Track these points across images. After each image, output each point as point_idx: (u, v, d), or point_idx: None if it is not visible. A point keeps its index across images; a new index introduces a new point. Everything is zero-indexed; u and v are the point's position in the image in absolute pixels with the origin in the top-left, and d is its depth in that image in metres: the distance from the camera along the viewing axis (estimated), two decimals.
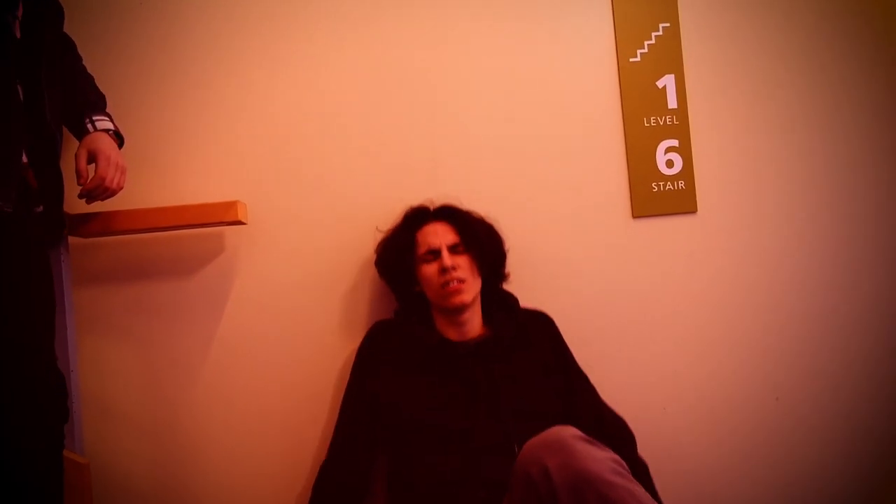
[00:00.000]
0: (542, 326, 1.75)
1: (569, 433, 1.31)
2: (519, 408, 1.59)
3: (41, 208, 1.48)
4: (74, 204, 1.60)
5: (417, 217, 1.73)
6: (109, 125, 1.59)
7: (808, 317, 1.92)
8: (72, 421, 1.65)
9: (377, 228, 1.79)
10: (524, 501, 1.31)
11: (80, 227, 1.67)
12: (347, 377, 1.72)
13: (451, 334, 1.68)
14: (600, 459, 1.26)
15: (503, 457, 1.53)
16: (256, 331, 1.83)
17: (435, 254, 1.66)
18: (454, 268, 1.63)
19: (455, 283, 1.63)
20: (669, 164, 1.91)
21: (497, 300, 1.75)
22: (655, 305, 1.90)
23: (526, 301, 1.81)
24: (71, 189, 1.52)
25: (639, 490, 1.25)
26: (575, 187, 1.91)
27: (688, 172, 1.91)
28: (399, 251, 1.71)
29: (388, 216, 1.82)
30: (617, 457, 1.30)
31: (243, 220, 1.74)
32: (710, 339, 1.90)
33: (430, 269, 1.66)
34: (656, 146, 1.91)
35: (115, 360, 1.80)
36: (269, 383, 1.82)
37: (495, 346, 1.65)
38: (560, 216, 1.90)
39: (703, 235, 1.92)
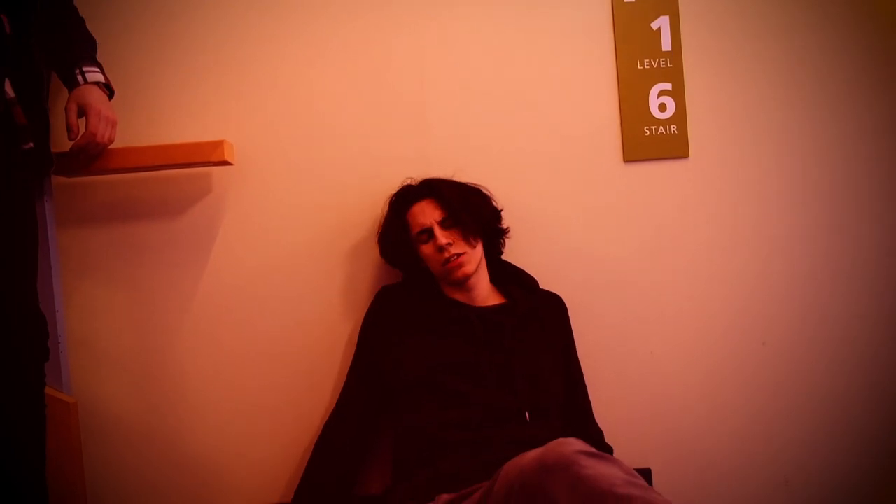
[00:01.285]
0: (556, 308, 1.76)
1: (570, 449, 1.22)
2: (527, 377, 1.59)
3: (31, 145, 1.46)
4: (57, 142, 1.57)
5: (402, 200, 1.71)
6: (100, 77, 1.56)
7: (797, 262, 1.92)
8: (58, 361, 1.66)
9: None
10: None
11: (64, 167, 1.64)
12: (336, 319, 1.72)
13: (461, 299, 1.68)
14: (609, 474, 1.17)
15: (513, 422, 1.54)
16: (245, 273, 1.82)
17: (428, 233, 1.64)
18: (450, 244, 1.62)
19: (454, 259, 1.62)
20: (662, 107, 1.88)
21: (516, 278, 1.75)
22: (645, 250, 1.90)
23: (515, 247, 1.81)
24: (55, 127, 1.50)
25: (656, 497, 1.15)
26: (565, 131, 1.88)
27: (680, 116, 1.89)
28: (395, 238, 1.70)
29: (380, 159, 1.82)
30: (628, 467, 1.23)
31: (230, 161, 1.72)
32: (699, 283, 1.91)
33: (427, 249, 1.65)
34: (649, 89, 1.88)
35: (102, 301, 1.78)
36: (259, 325, 1.82)
37: (509, 316, 1.65)
38: (550, 161, 1.88)
39: (694, 180, 1.90)
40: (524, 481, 1.22)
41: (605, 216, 1.89)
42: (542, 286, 1.76)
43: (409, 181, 1.73)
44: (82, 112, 1.52)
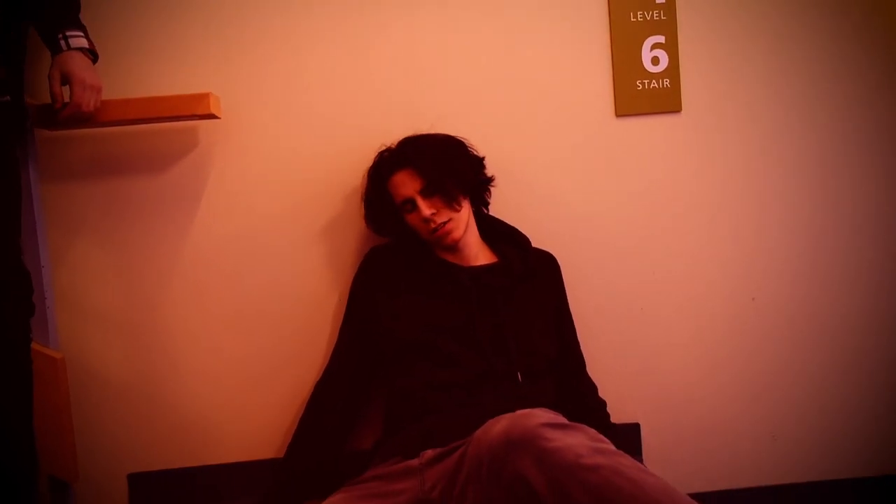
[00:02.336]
0: (548, 267, 1.74)
1: (535, 422, 1.20)
2: (519, 339, 1.59)
3: (7, 98, 1.43)
4: (38, 94, 1.55)
5: (380, 172, 1.66)
6: (84, 42, 1.53)
7: (787, 217, 1.91)
8: (45, 316, 1.65)
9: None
10: (506, 503, 1.23)
11: (44, 119, 1.61)
12: (328, 275, 1.71)
13: (452, 259, 1.66)
14: (574, 445, 1.16)
15: (505, 383, 1.54)
16: (233, 228, 1.80)
17: (411, 203, 1.60)
18: (434, 213, 1.58)
19: (441, 228, 1.59)
20: (655, 61, 1.86)
21: (508, 236, 1.73)
22: (636, 205, 1.88)
23: (505, 204, 1.79)
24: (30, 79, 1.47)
25: (625, 461, 1.15)
26: (556, 85, 1.86)
27: (673, 70, 1.86)
28: (379, 210, 1.68)
29: (369, 112, 1.79)
30: (594, 432, 1.22)
31: (216, 114, 1.69)
32: (689, 239, 1.90)
33: (413, 219, 1.62)
34: (642, 42, 1.85)
35: (89, 256, 1.77)
36: (249, 281, 1.81)
37: (500, 275, 1.64)
38: (540, 116, 1.86)
39: (686, 135, 1.88)
40: (492, 456, 1.23)
41: (596, 171, 1.87)
42: (534, 244, 1.75)
43: (384, 148, 1.69)
44: (66, 80, 1.49)
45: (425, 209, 1.58)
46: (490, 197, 1.76)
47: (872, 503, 1.95)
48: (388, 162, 1.65)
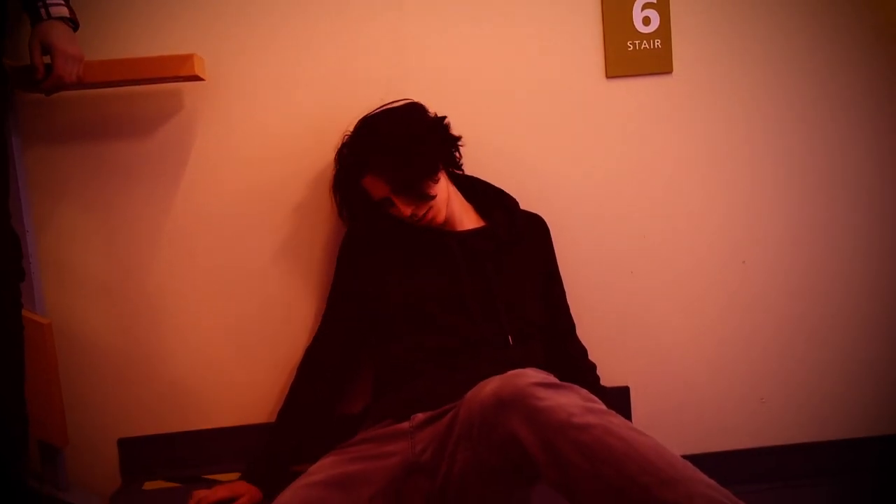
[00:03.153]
0: (537, 230, 1.73)
1: (525, 381, 1.19)
2: (509, 302, 1.58)
3: None
4: (18, 56, 1.52)
5: (349, 176, 1.61)
6: (64, 11, 1.49)
7: (779, 180, 1.91)
8: (31, 282, 1.64)
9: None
10: (497, 464, 1.24)
11: (27, 83, 1.58)
12: (319, 238, 1.69)
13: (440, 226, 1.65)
14: (565, 404, 1.15)
15: (495, 347, 1.53)
16: (221, 193, 1.78)
17: (389, 200, 1.57)
18: (414, 210, 1.55)
19: (424, 219, 1.57)
20: (646, 21, 1.83)
21: (496, 199, 1.71)
22: (626, 167, 1.87)
23: (492, 165, 1.78)
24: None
25: (616, 420, 1.13)
26: (545, 46, 1.83)
27: (665, 31, 1.84)
28: (360, 211, 1.65)
29: (357, 75, 1.77)
30: (585, 392, 1.21)
31: (201, 76, 1.66)
32: (679, 201, 1.89)
33: (395, 212, 1.59)
34: (633, 2, 1.83)
35: (73, 221, 1.75)
36: (237, 246, 1.79)
37: (488, 240, 1.62)
38: (529, 77, 1.83)
39: (678, 97, 1.86)
40: (483, 417, 1.22)
41: (586, 133, 1.86)
42: (522, 207, 1.74)
43: (343, 141, 1.63)
44: (46, 51, 1.46)
45: (405, 209, 1.55)
46: (461, 158, 1.71)
47: (859, 464, 1.97)
48: (351, 167, 1.60)
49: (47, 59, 1.47)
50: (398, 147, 1.55)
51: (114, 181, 1.76)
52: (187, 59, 1.60)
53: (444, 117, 1.65)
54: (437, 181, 1.57)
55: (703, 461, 1.11)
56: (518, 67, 1.83)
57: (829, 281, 1.94)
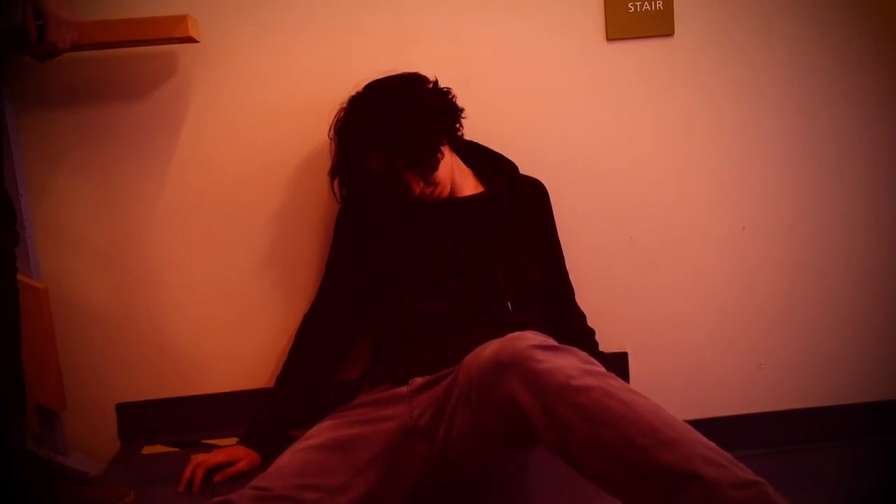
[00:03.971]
0: (537, 195, 1.71)
1: (524, 344, 1.18)
2: (508, 267, 1.57)
3: None
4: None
5: (352, 157, 1.57)
6: None
7: (778, 145, 1.89)
8: (26, 247, 1.62)
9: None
10: (496, 427, 1.23)
11: (20, 45, 1.55)
12: (316, 203, 1.69)
13: None
14: (564, 366, 1.13)
15: (494, 312, 1.53)
16: (217, 157, 1.76)
17: (396, 180, 1.53)
18: (422, 188, 1.53)
19: (431, 195, 1.55)
20: None
21: (495, 164, 1.69)
22: (626, 132, 1.86)
23: (491, 130, 1.76)
24: None
25: (615, 383, 1.12)
26: (544, 8, 1.80)
27: None
28: (361, 188, 1.61)
29: (354, 38, 1.74)
30: (585, 354, 1.19)
31: (195, 38, 1.63)
32: (679, 166, 1.88)
33: (403, 190, 1.55)
34: None
35: (67, 185, 1.73)
36: (234, 211, 1.78)
37: (488, 205, 1.61)
38: (528, 40, 1.81)
39: (679, 60, 1.84)
40: (482, 380, 1.21)
41: (586, 97, 1.84)
42: (522, 171, 1.72)
43: (341, 117, 1.59)
44: (39, 16, 1.43)
45: (414, 188, 1.53)
46: (462, 128, 1.65)
47: (856, 430, 1.98)
48: (356, 148, 1.55)
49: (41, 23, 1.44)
50: (403, 123, 1.50)
51: (108, 144, 1.74)
52: (181, 20, 1.57)
53: (448, 89, 1.60)
54: (443, 156, 1.54)
55: (700, 427, 1.10)
56: (517, 30, 1.81)
57: (828, 247, 1.94)
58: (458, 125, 1.62)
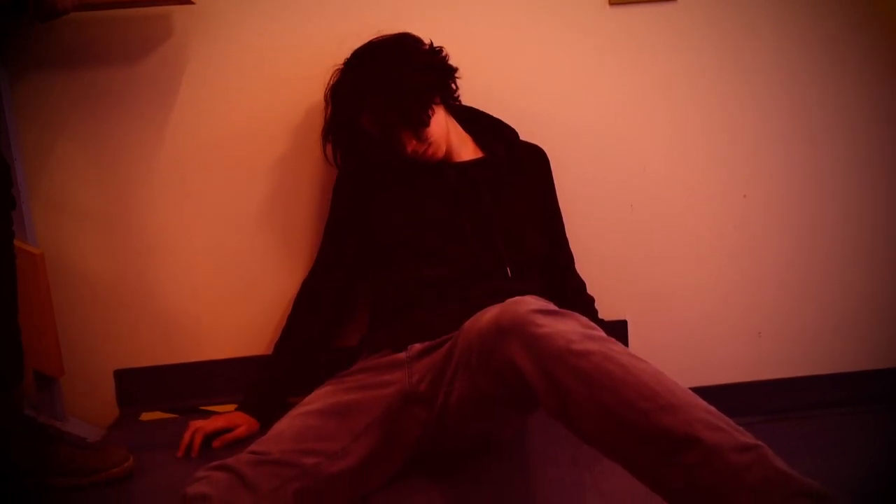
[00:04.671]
0: (537, 161, 1.70)
1: (525, 308, 1.16)
2: (507, 234, 1.56)
3: None
4: None
5: (344, 115, 1.57)
6: None
7: (781, 112, 1.88)
8: (21, 212, 1.61)
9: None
10: (496, 392, 1.22)
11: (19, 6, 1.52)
12: (315, 167, 1.69)
13: None
14: (565, 331, 1.12)
15: (493, 278, 1.52)
16: (214, 122, 1.75)
17: (388, 138, 1.53)
18: (416, 146, 1.52)
19: (425, 154, 1.54)
20: None
21: (495, 130, 1.68)
22: (628, 99, 1.84)
23: (491, 95, 1.74)
24: None
25: (616, 347, 1.11)
26: None
27: None
28: (354, 150, 1.61)
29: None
30: (585, 319, 1.17)
31: None
32: (681, 134, 1.86)
33: (395, 149, 1.54)
34: None
35: (63, 150, 1.72)
36: (231, 175, 1.77)
37: (487, 170, 1.60)
38: (529, 4, 1.78)
39: (682, 26, 1.82)
40: (482, 344, 1.20)
41: (587, 62, 1.82)
42: (522, 138, 1.70)
43: (337, 79, 1.58)
44: None
45: (407, 146, 1.52)
46: (458, 89, 1.64)
47: (855, 397, 1.98)
48: (348, 105, 1.55)
49: None
50: (394, 79, 1.50)
51: (103, 108, 1.72)
52: None
53: (441, 48, 1.60)
54: (433, 112, 1.53)
55: (700, 394, 1.10)
56: None
57: (829, 215, 1.93)
58: (452, 84, 1.62)
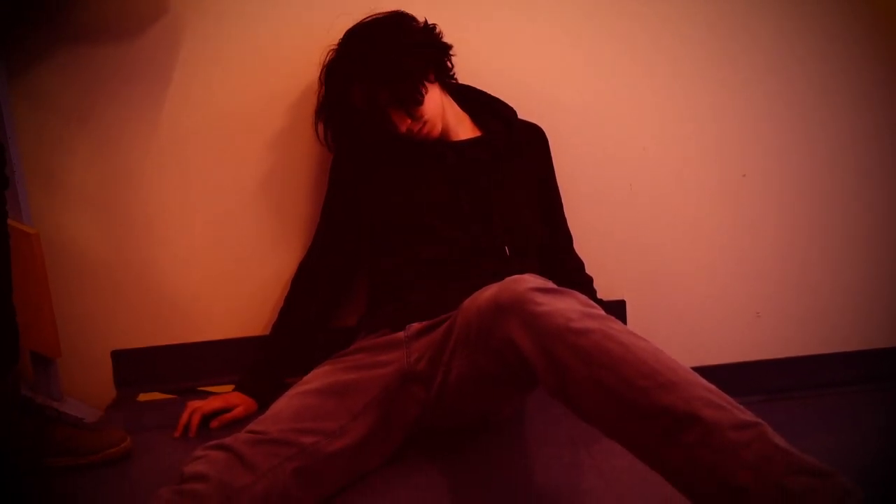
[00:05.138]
0: (536, 140, 1.69)
1: (524, 286, 1.15)
2: (505, 214, 1.55)
3: None
4: None
5: (337, 92, 1.55)
6: None
7: (780, 90, 1.87)
8: (15, 191, 1.60)
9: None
10: (494, 371, 1.22)
11: None
12: (313, 147, 1.68)
13: None
14: (564, 309, 1.11)
15: (492, 258, 1.51)
16: (212, 101, 1.73)
17: (381, 116, 1.51)
18: (409, 125, 1.51)
19: (420, 133, 1.52)
20: None
21: (493, 108, 1.67)
22: (624, 75, 1.83)
23: (490, 74, 1.73)
24: None
25: (615, 325, 1.10)
26: None
27: None
28: (347, 129, 1.59)
29: None
30: (584, 298, 1.17)
31: None
32: (680, 113, 1.85)
33: (390, 127, 1.53)
34: None
35: (58, 128, 1.69)
36: (229, 154, 1.75)
37: (486, 149, 1.58)
38: None
39: (684, 3, 1.81)
40: (481, 323, 1.20)
41: (587, 41, 1.81)
42: (520, 116, 1.69)
43: (330, 58, 1.58)
44: None
45: (400, 125, 1.51)
46: (453, 67, 1.63)
47: (852, 377, 1.99)
48: (341, 81, 1.54)
49: None
50: (386, 57, 1.49)
51: (99, 85, 1.69)
52: None
53: (434, 25, 1.59)
54: (426, 90, 1.52)
55: (699, 374, 1.10)
56: None
57: (828, 194, 1.93)
58: (447, 62, 1.60)
